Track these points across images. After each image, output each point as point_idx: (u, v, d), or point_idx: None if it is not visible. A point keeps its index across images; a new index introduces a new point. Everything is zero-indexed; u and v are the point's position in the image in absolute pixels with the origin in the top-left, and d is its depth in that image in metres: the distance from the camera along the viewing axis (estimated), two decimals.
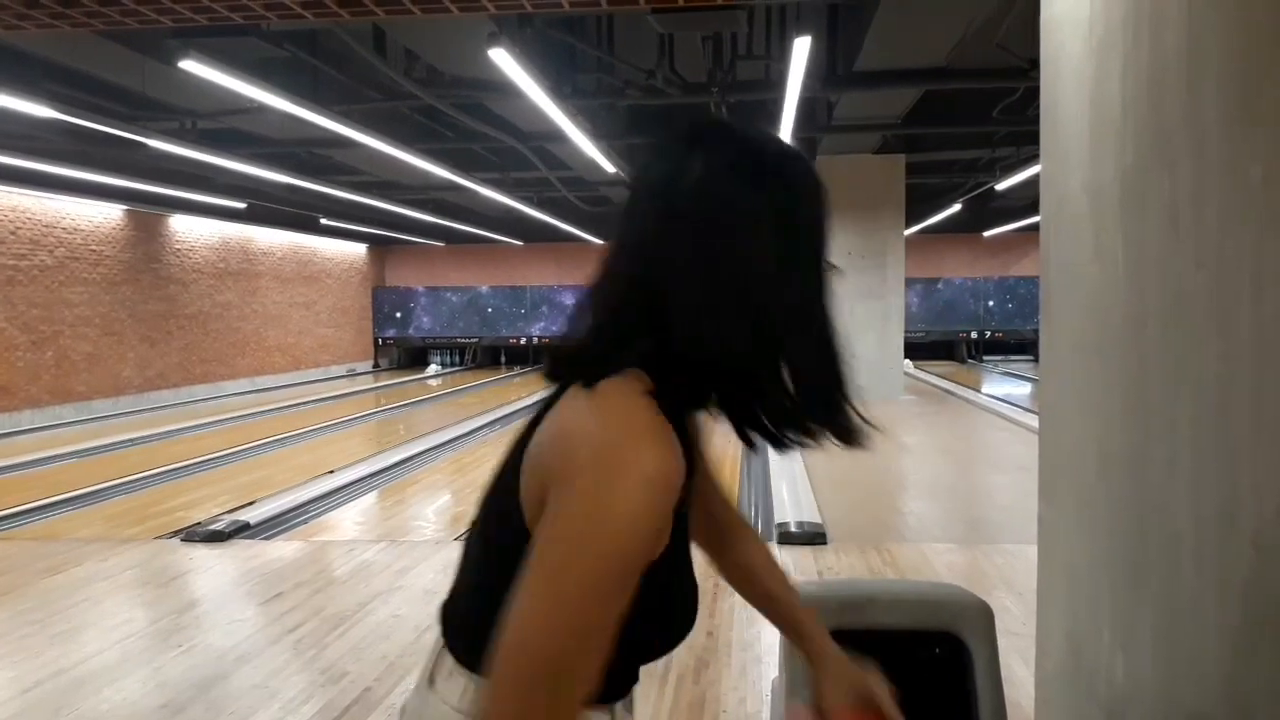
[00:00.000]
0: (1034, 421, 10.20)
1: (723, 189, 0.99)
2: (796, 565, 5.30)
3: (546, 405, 1.03)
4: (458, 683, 1.07)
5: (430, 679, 1.10)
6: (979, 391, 14.98)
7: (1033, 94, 8.89)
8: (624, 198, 1.07)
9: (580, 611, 0.87)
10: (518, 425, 1.08)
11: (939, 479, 8.36)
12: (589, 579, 0.87)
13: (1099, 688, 2.49)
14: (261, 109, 8.09)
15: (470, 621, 1.06)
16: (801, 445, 1.10)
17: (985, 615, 2.08)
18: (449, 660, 1.09)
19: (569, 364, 1.04)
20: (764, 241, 0.98)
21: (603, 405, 0.95)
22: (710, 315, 0.97)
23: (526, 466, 1.00)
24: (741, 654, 4.00)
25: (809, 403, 1.09)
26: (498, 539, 1.03)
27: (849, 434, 1.13)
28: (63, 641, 4.27)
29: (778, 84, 7.61)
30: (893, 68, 8.31)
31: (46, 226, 13.20)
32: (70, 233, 13.63)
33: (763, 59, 8.04)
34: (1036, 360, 19.58)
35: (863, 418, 1.14)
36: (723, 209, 0.98)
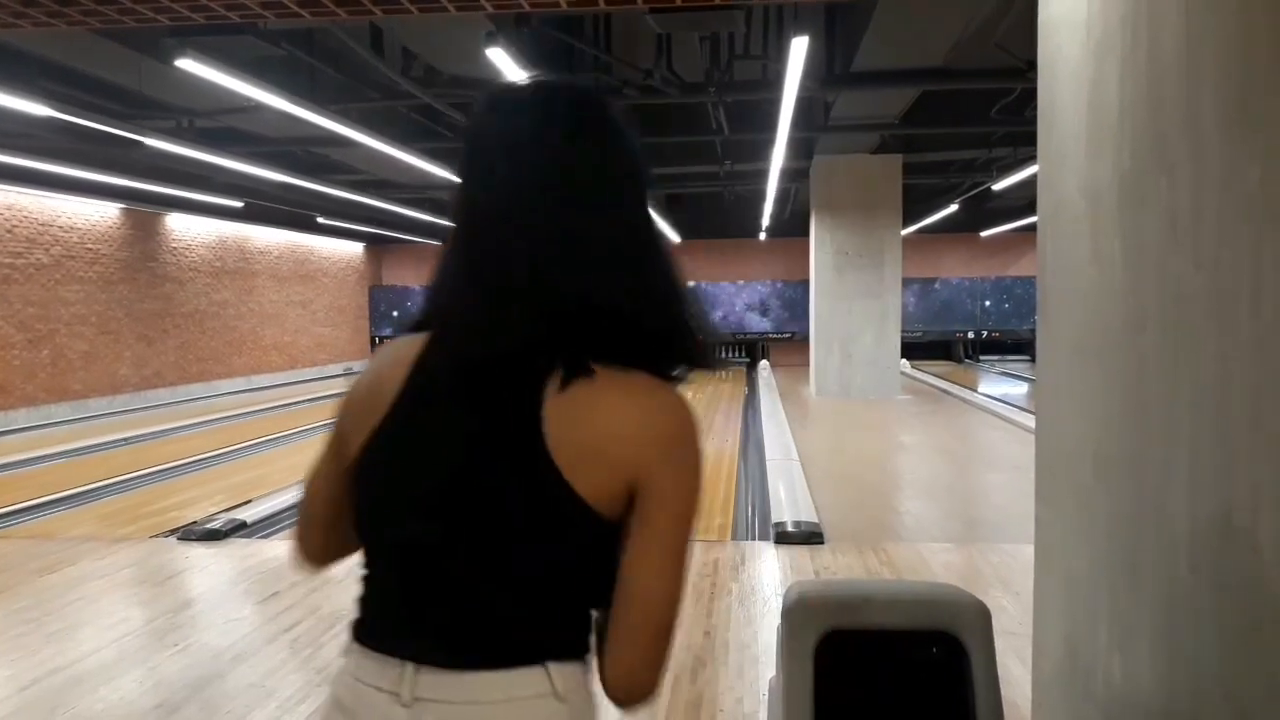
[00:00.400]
0: (1030, 421, 10.21)
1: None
2: (793, 564, 5.30)
3: (513, 384, 1.03)
4: (534, 672, 1.03)
5: (473, 683, 1.02)
6: (976, 391, 15.00)
7: (1030, 95, 8.91)
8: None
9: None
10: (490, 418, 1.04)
11: (936, 479, 8.37)
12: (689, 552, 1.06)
13: (1096, 688, 2.50)
14: (258, 108, 8.07)
15: (540, 604, 1.04)
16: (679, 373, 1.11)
17: (982, 615, 2.08)
18: (502, 665, 1.02)
19: (559, 340, 1.04)
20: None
21: (654, 396, 1.05)
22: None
23: (576, 453, 1.00)
24: (739, 654, 4.00)
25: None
26: (558, 527, 1.01)
27: (702, 357, 1.14)
28: (59, 640, 4.26)
29: (775, 84, 7.61)
30: (890, 68, 8.31)
31: (43, 225, 13.17)
32: (66, 231, 13.61)
33: (760, 59, 8.04)
34: (1033, 360, 19.70)
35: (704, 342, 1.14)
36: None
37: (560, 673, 1.04)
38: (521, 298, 1.02)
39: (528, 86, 1.11)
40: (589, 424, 1.00)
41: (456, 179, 1.12)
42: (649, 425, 1.02)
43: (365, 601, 1.14)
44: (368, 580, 1.15)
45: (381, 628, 1.10)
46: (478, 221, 1.07)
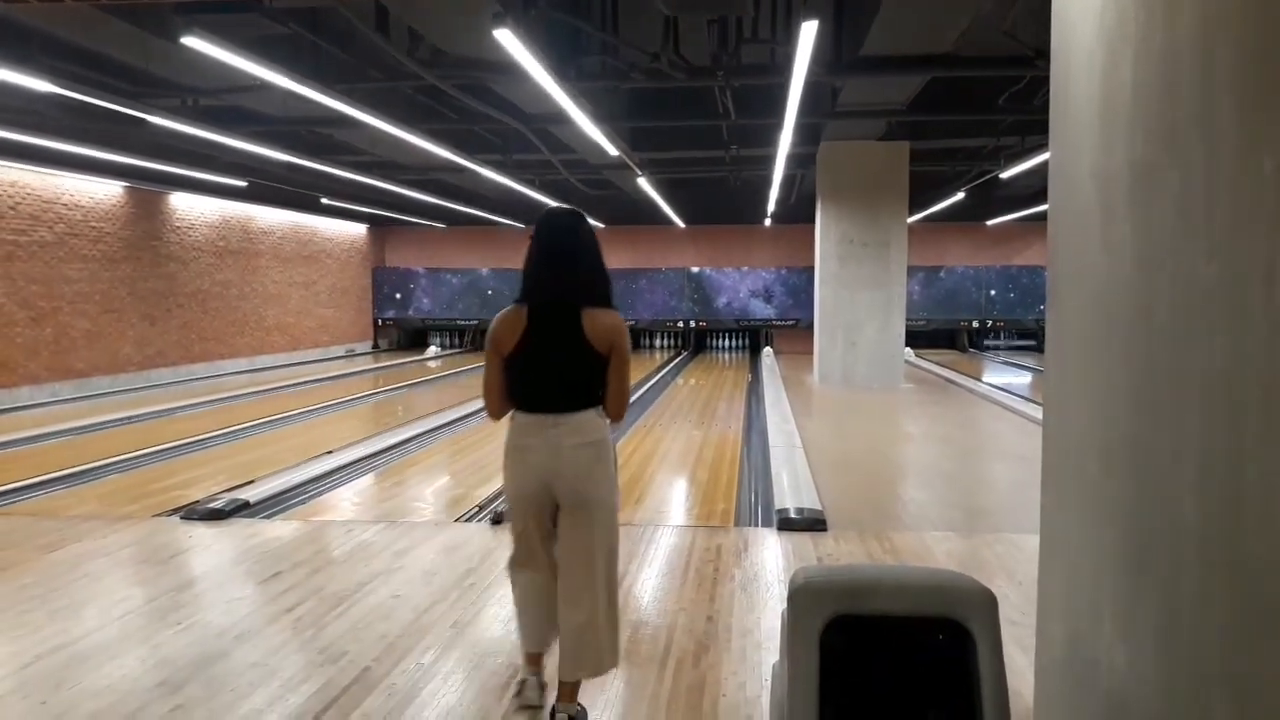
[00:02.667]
0: (1035, 412, 10.21)
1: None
2: (796, 552, 5.31)
3: (566, 312, 3.06)
4: (590, 412, 3.09)
5: (577, 417, 3.07)
6: (980, 380, 14.98)
7: (1039, 82, 8.86)
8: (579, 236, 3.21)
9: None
10: (570, 338, 3.06)
11: (939, 467, 8.37)
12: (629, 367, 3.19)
13: (1099, 678, 2.50)
14: (263, 87, 8.05)
15: (587, 391, 3.08)
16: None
17: (989, 602, 2.08)
18: (580, 409, 3.07)
19: (582, 296, 3.10)
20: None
21: (615, 317, 3.13)
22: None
23: (593, 337, 3.03)
24: (741, 639, 4.01)
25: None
26: (589, 365, 3.05)
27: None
28: (62, 617, 4.28)
29: (783, 68, 7.57)
30: (899, 54, 8.27)
31: (47, 202, 13.16)
32: (70, 209, 13.60)
33: (768, 43, 7.99)
34: (1038, 350, 19.61)
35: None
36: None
37: (594, 410, 3.11)
38: (566, 282, 3.08)
39: (566, 209, 3.25)
40: (596, 325, 3.04)
41: (536, 239, 3.15)
42: (615, 325, 3.09)
43: (522, 401, 3.11)
44: (522, 395, 3.11)
45: (530, 406, 3.09)
46: (549, 255, 3.12)
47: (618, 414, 3.14)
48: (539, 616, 3.25)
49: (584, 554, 3.12)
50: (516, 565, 3.28)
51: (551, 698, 3.22)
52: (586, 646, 3.11)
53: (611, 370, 3.08)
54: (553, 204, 3.60)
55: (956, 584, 2.14)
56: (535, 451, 3.07)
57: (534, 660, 3.30)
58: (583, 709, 3.14)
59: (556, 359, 3.05)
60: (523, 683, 3.28)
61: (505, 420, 3.24)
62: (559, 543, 3.18)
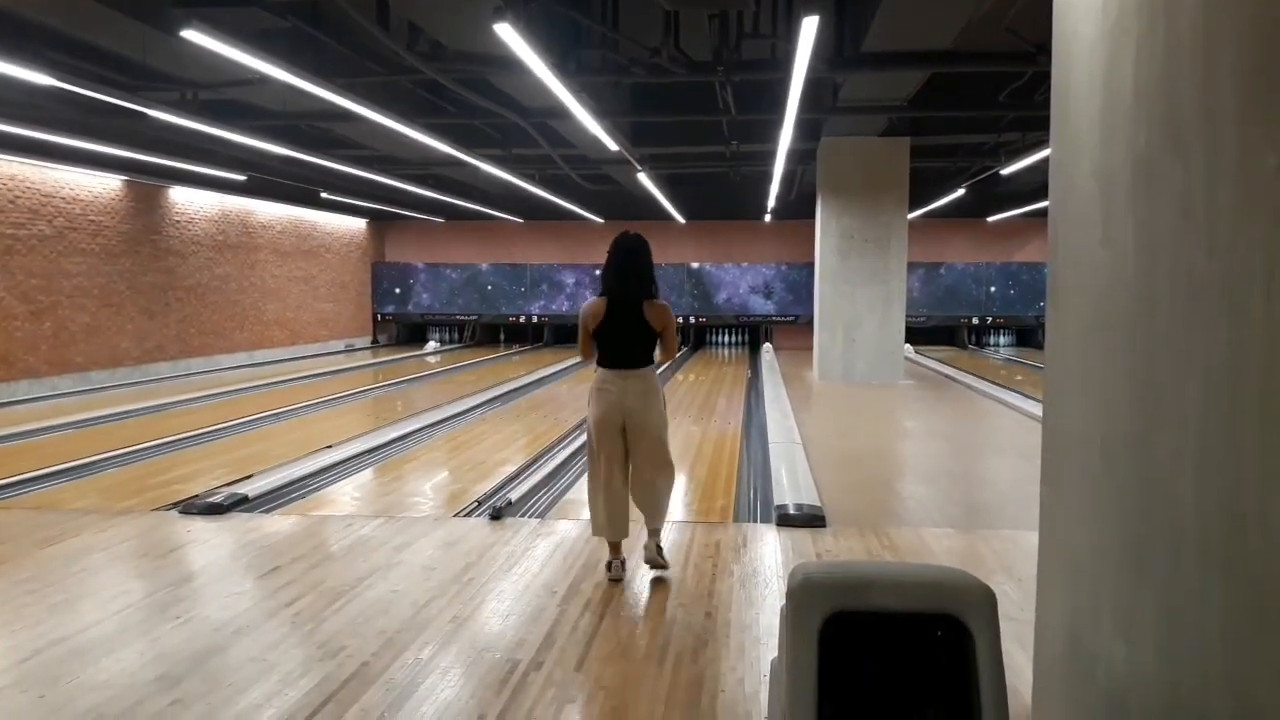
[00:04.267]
0: (1034, 409, 10.21)
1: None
2: (795, 547, 5.31)
3: (633, 304, 4.66)
4: (648, 368, 4.73)
5: (640, 373, 4.70)
6: (980, 377, 14.98)
7: (1040, 79, 8.85)
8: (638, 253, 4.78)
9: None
10: (636, 323, 4.70)
11: (938, 464, 8.37)
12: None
13: (1098, 675, 2.49)
14: (263, 80, 8.03)
15: (647, 354, 4.72)
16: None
17: (988, 599, 2.07)
18: (643, 367, 4.70)
19: (642, 293, 4.68)
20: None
21: (668, 315, 4.73)
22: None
23: (650, 320, 4.65)
24: (740, 634, 4.01)
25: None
26: (649, 340, 4.69)
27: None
28: (60, 611, 4.28)
29: (784, 64, 7.55)
30: (900, 50, 8.26)
31: (45, 196, 13.15)
32: (69, 203, 13.58)
33: (769, 38, 7.98)
34: (1038, 347, 19.60)
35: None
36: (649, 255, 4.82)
37: (651, 367, 4.77)
38: (631, 285, 4.67)
39: (633, 235, 4.78)
40: (651, 312, 4.66)
41: (612, 254, 4.77)
42: (664, 311, 4.71)
43: (604, 360, 4.70)
44: (604, 356, 4.71)
45: (610, 364, 4.70)
46: (620, 267, 4.69)
47: (669, 357, 4.86)
48: (619, 513, 4.73)
49: (647, 456, 4.77)
50: (600, 480, 4.74)
51: (629, 572, 4.84)
52: (658, 505, 4.86)
53: (663, 339, 4.73)
54: (625, 230, 5.00)
55: (955, 580, 2.14)
56: (612, 393, 4.65)
57: (616, 548, 4.79)
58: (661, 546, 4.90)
59: (626, 334, 4.67)
60: (610, 564, 4.76)
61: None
62: (631, 454, 4.77)
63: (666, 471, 4.89)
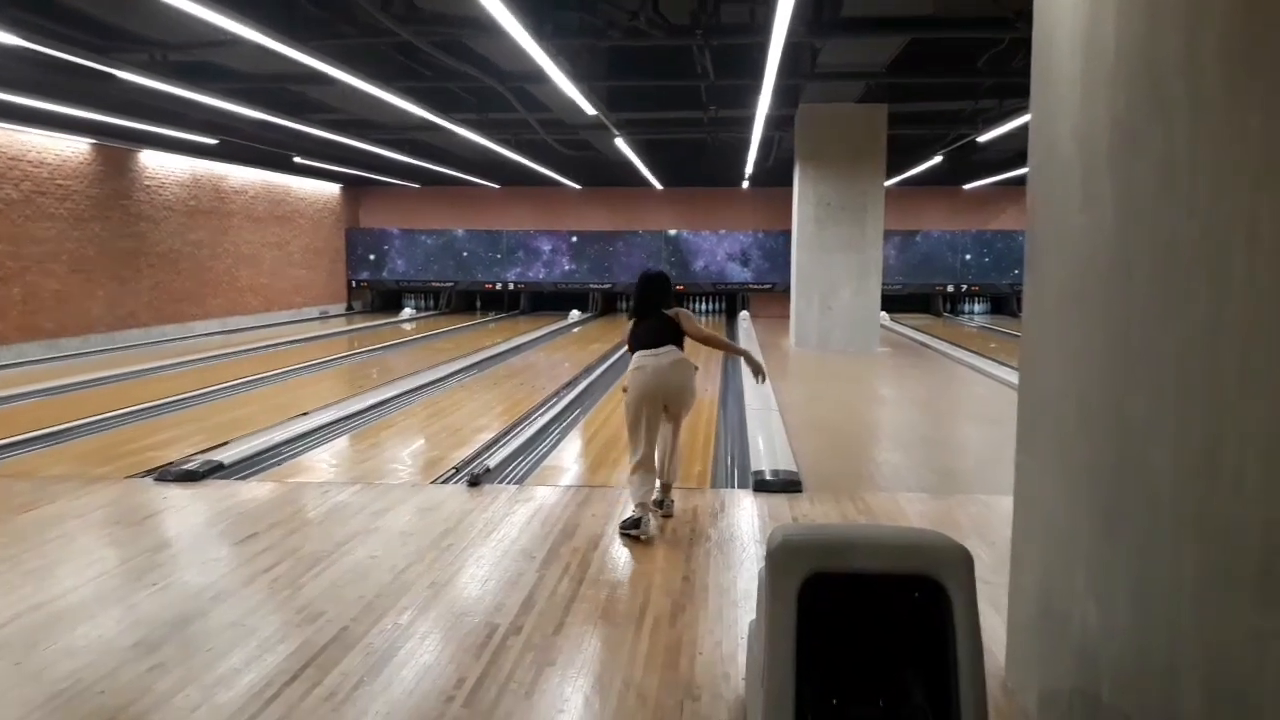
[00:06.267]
0: (1009, 376, 10.29)
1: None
2: (772, 512, 5.34)
3: (657, 310, 5.23)
4: (679, 350, 5.13)
5: (670, 347, 5.10)
6: (955, 345, 15.07)
7: (1018, 44, 8.83)
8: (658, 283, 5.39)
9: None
10: (660, 320, 5.21)
11: (913, 430, 8.43)
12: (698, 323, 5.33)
13: (1072, 633, 2.53)
14: (235, 42, 7.88)
15: (673, 337, 5.13)
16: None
17: (964, 560, 2.09)
18: (671, 349, 5.08)
19: (661, 302, 5.27)
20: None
21: (684, 312, 5.27)
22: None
23: (669, 316, 5.18)
24: (718, 598, 4.03)
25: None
26: (672, 327, 5.15)
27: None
28: (37, 578, 4.24)
29: (763, 28, 7.49)
30: (879, 15, 8.21)
31: (11, 159, 12.90)
32: (36, 166, 13.33)
33: (748, 2, 7.91)
34: (1012, 314, 19.65)
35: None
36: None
37: (680, 348, 5.16)
38: (658, 300, 5.26)
39: (656, 271, 5.43)
40: (681, 318, 5.21)
41: (639, 287, 5.37)
42: (691, 316, 5.28)
43: (637, 342, 5.17)
44: (640, 344, 5.14)
45: (645, 346, 5.11)
46: (648, 290, 5.29)
47: (697, 334, 5.23)
48: (653, 479, 5.07)
49: (676, 418, 5.24)
50: (644, 450, 5.01)
51: (607, 538, 4.97)
52: (678, 465, 5.42)
53: (683, 325, 5.19)
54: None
55: (932, 542, 2.16)
56: (649, 367, 5.03)
57: (646, 506, 5.00)
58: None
59: (653, 329, 5.18)
60: (640, 521, 4.91)
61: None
62: (667, 411, 5.16)
63: (679, 439, 5.49)
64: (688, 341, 5.25)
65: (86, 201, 14.31)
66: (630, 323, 5.42)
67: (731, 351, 5.75)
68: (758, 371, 5.33)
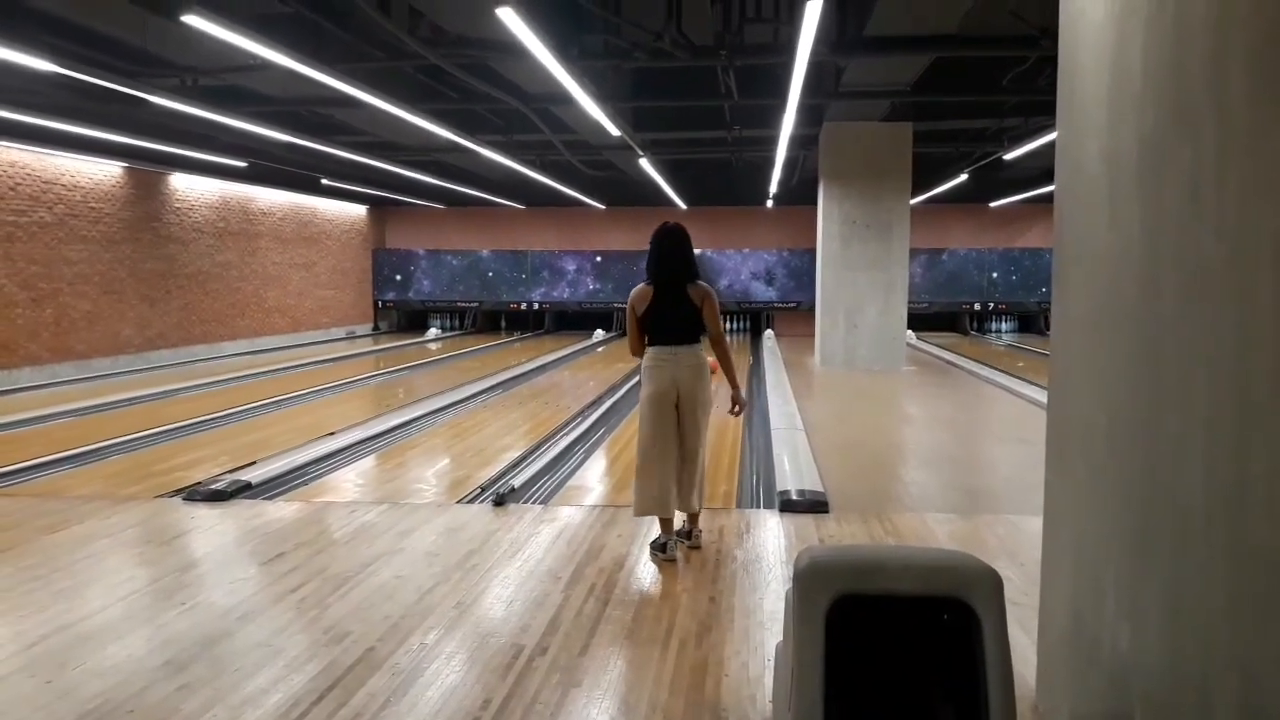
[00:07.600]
0: (1037, 395, 10.20)
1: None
2: (798, 533, 5.31)
3: (679, 285, 4.85)
4: (698, 345, 4.90)
5: (690, 348, 4.86)
6: (982, 363, 14.97)
7: (1044, 62, 8.81)
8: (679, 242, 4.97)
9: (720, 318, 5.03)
10: (683, 308, 4.89)
11: (941, 449, 8.37)
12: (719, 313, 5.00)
13: (1103, 655, 2.50)
14: (264, 66, 8.00)
15: (694, 331, 4.86)
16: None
17: (994, 582, 2.07)
18: (692, 344, 4.86)
19: (685, 276, 4.88)
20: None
21: (711, 296, 4.90)
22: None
23: (694, 299, 4.83)
24: (744, 619, 4.01)
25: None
26: (694, 316, 4.83)
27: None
28: (66, 598, 4.29)
29: (787, 48, 7.52)
30: (903, 34, 8.22)
31: (46, 183, 13.12)
32: (70, 189, 13.56)
33: (772, 22, 7.94)
34: (1040, 333, 19.50)
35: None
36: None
37: (699, 345, 4.91)
38: (676, 269, 4.87)
39: (674, 225, 4.98)
40: (695, 292, 4.85)
41: (656, 243, 4.95)
42: (706, 291, 4.88)
43: (655, 338, 4.86)
44: (656, 335, 4.87)
45: (661, 342, 4.86)
46: (664, 254, 4.89)
47: (716, 331, 4.95)
48: (670, 489, 4.88)
49: (692, 428, 4.91)
50: (652, 457, 4.87)
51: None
52: (699, 487, 5.04)
53: (706, 314, 4.87)
54: (667, 221, 5.12)
55: (962, 564, 2.14)
56: (665, 368, 4.84)
57: (667, 525, 4.90)
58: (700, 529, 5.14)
59: (674, 312, 4.85)
60: (663, 545, 4.84)
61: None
62: (680, 428, 4.90)
63: (704, 451, 5.06)
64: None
65: (118, 224, 14.53)
66: (644, 292, 4.85)
67: (726, 374, 5.14)
68: (737, 402, 5.06)
